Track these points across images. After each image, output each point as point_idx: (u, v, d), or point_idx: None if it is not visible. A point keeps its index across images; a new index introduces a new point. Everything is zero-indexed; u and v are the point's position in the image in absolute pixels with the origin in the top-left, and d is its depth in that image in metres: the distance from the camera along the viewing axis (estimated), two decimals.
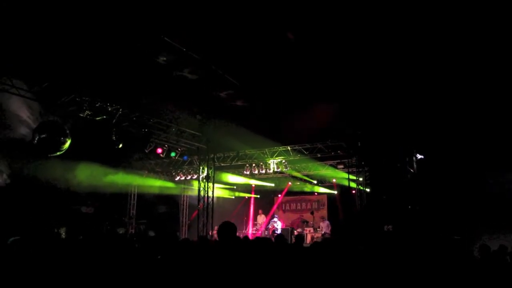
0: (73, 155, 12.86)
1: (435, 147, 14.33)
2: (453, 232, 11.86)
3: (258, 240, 6.23)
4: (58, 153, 11.35)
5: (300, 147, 15.98)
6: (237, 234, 18.50)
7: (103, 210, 16.16)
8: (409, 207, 13.66)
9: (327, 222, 18.34)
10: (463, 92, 11.97)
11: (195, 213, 17.86)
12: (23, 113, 11.43)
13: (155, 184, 19.48)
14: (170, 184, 20.18)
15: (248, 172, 17.77)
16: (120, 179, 17.17)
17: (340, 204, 20.45)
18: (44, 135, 10.87)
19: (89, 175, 14.97)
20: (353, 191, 16.36)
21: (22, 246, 4.66)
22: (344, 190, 19.43)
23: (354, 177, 15.81)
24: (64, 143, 11.27)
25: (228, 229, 4.48)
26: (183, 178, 19.17)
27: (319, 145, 15.57)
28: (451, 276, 5.24)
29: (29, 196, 12.96)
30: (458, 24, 9.53)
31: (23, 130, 11.63)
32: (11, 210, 11.86)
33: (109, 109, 12.55)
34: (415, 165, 14.63)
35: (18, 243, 4.78)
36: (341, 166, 16.91)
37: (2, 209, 11.53)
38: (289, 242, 14.63)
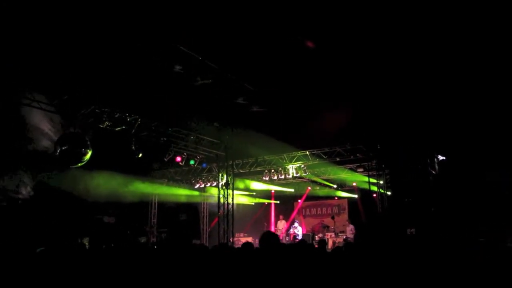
0: (94, 166, 13.13)
1: (457, 148, 14.11)
2: (478, 235, 11.65)
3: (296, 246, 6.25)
4: (79, 164, 11.52)
5: (319, 151, 15.94)
6: (258, 240, 18.53)
7: (125, 219, 16.35)
8: (432, 209, 13.47)
9: (351, 226, 18.21)
10: (488, 92, 11.77)
11: (216, 220, 17.96)
12: (45, 126, 11.68)
13: (175, 192, 19.64)
14: (190, 192, 20.31)
15: (267, 178, 17.78)
16: (141, 188, 17.38)
17: (361, 208, 20.34)
18: (65, 147, 11.05)
19: (110, 185, 15.21)
20: (374, 195, 16.22)
21: (49, 256, 4.78)
22: (364, 193, 19.34)
23: (375, 180, 15.70)
24: (85, 154, 11.43)
25: (270, 238, 4.62)
26: (202, 185, 19.26)
27: (338, 149, 15.50)
28: (477, 280, 5.16)
29: (52, 207, 13.21)
30: (479, 25, 9.41)
31: (45, 143, 11.88)
32: (36, 221, 12.08)
33: (128, 119, 12.70)
34: (437, 167, 14.44)
35: (44, 253, 4.90)
36: (361, 170, 16.82)
37: (27, 220, 11.78)
38: None
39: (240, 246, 5.86)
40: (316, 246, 10.78)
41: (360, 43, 10.59)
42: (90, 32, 9.24)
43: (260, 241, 4.54)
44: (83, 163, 11.68)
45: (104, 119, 12.11)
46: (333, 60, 11.35)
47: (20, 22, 8.63)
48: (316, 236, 18.09)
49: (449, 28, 9.71)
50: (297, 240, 16.55)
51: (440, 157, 14.51)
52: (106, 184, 15.06)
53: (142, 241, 16.22)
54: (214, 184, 18.45)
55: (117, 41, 9.72)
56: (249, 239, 18.78)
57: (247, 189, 21.43)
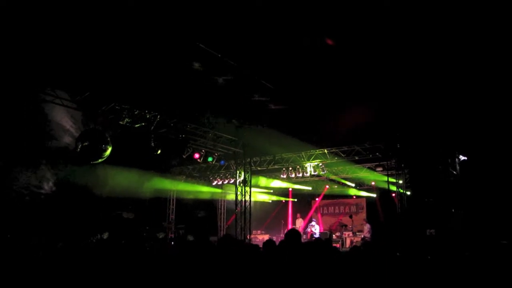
0: (114, 162, 13.21)
1: (479, 148, 13.87)
2: (500, 237, 11.46)
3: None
4: (100, 160, 11.64)
5: (337, 150, 15.87)
6: (274, 238, 18.55)
7: (143, 215, 16.49)
8: (453, 210, 13.30)
9: (368, 225, 18.18)
10: (509, 91, 11.54)
11: (233, 217, 18.03)
12: (66, 123, 11.86)
13: (193, 189, 19.77)
14: (207, 189, 20.43)
15: (284, 176, 17.76)
16: (159, 184, 17.51)
17: (380, 207, 20.29)
18: (86, 143, 11.18)
19: (129, 181, 15.34)
20: (393, 194, 16.08)
21: (70, 251, 4.89)
22: (383, 193, 19.27)
23: (394, 180, 15.59)
24: (105, 150, 11.54)
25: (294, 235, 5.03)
26: (220, 182, 19.34)
27: (356, 148, 15.40)
28: (498, 284, 5.09)
29: (73, 203, 13.42)
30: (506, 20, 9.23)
31: (67, 139, 12.07)
32: (58, 216, 12.30)
33: (148, 116, 12.78)
34: (458, 167, 14.23)
35: (65, 248, 5.01)
36: (380, 169, 16.74)
37: (49, 215, 11.99)
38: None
39: (257, 243, 5.90)
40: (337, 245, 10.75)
41: (381, 40, 10.46)
42: (111, 29, 9.32)
43: (286, 236, 4.76)
44: (103, 159, 11.79)
45: (124, 116, 12.21)
46: (352, 57, 11.20)
47: (43, 19, 8.71)
48: (333, 235, 18.03)
49: (473, 24, 9.52)
50: (314, 239, 16.47)
51: (462, 157, 14.28)
52: (125, 180, 15.17)
53: (160, 236, 16.32)
54: (232, 181, 18.52)
55: (138, 38, 9.79)
56: (266, 237, 19.04)
57: (264, 186, 21.47)
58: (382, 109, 13.26)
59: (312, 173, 16.94)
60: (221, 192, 21.56)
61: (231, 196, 20.20)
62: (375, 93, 12.68)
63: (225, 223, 21.92)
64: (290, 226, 21.61)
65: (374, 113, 13.22)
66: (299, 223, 20.55)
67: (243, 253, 5.21)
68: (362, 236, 17.70)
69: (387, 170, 15.90)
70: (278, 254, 4.84)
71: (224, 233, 21.47)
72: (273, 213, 23.15)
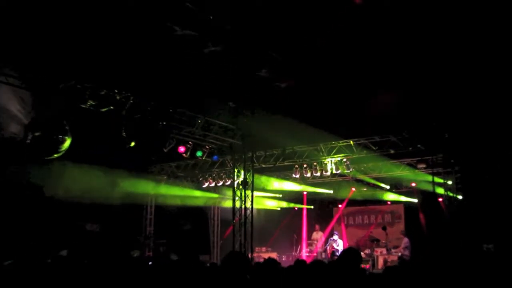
0: (74, 158, 13.36)
1: None
2: None
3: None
4: (56, 155, 11.75)
5: (367, 141, 15.90)
6: (284, 258, 18.38)
7: (112, 227, 16.57)
8: None
9: (406, 239, 18.24)
10: None
11: (230, 230, 18.11)
12: (13, 106, 11.79)
13: (178, 193, 19.81)
14: (196, 193, 20.48)
15: (297, 176, 17.77)
16: (133, 187, 17.56)
17: (423, 215, 20.30)
18: (38, 133, 11.26)
19: (94, 183, 15.40)
20: (440, 199, 16.29)
21: (19, 272, 4.90)
22: (427, 197, 19.36)
23: (441, 180, 15.67)
24: (63, 142, 11.64)
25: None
26: (213, 184, 19.33)
27: (392, 138, 15.42)
28: None
29: (21, 211, 13.48)
30: None
31: (14, 128, 11.97)
32: (1, 227, 12.36)
33: (118, 97, 12.80)
34: None
35: (13, 267, 5.03)
36: (423, 166, 16.70)
37: None
38: None
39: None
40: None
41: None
42: None
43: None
44: (60, 154, 11.88)
45: (86, 97, 12.19)
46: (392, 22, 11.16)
47: None
48: (362, 253, 18.06)
49: None
50: (335, 258, 16.51)
51: None
52: (89, 181, 15.24)
53: (135, 255, 16.40)
54: (228, 182, 18.54)
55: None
56: (273, 255, 18.97)
57: (271, 190, 21.51)
58: (427, 88, 13.20)
59: (334, 171, 16.94)
60: (214, 198, 21.60)
61: (227, 203, 20.37)
62: (417, 66, 12.55)
63: (220, 237, 21.97)
64: (305, 242, 21.78)
65: (415, 92, 13.24)
66: (318, 237, 20.68)
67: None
68: (399, 254, 17.66)
69: (432, 168, 15.91)
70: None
71: (219, 250, 21.60)
72: (282, 224, 23.24)
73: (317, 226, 21.20)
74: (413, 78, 12.98)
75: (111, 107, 12.77)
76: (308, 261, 8.86)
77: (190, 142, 15.78)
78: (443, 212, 16.00)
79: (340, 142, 16.37)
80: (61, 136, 11.65)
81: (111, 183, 16.42)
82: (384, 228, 19.07)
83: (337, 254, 18.02)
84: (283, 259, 19.76)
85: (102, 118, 12.96)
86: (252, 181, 16.66)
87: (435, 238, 17.43)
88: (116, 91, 12.70)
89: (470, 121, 14.17)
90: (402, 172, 18.28)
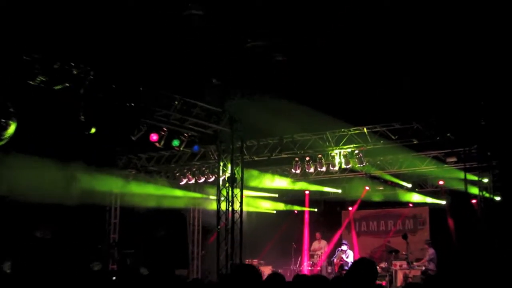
0: (20, 148, 13.19)
1: None
2: None
3: None
4: None
5: (384, 129, 15.93)
6: (282, 272, 18.46)
7: (68, 234, 16.54)
8: None
9: (432, 250, 18.15)
10: None
11: (213, 237, 17.93)
12: None
13: (149, 191, 19.78)
14: (172, 192, 20.51)
15: (298, 171, 17.89)
16: (93, 184, 17.45)
17: (452, 221, 20.44)
18: None
19: (44, 178, 15.20)
20: (473, 200, 16.42)
21: None
22: (457, 198, 19.49)
23: (475, 178, 15.75)
24: (6, 128, 11.38)
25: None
26: (192, 181, 19.44)
27: (415, 125, 15.43)
28: None
29: None
30: None
31: None
32: None
33: (75, 72, 12.55)
34: None
35: None
36: (453, 159, 16.76)
37: None
38: None
39: None
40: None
41: None
42: None
43: None
44: (3, 143, 11.60)
45: (36, 71, 11.92)
46: None
47: None
48: (377, 267, 17.88)
49: None
50: (344, 272, 16.30)
51: None
52: (39, 177, 15.05)
53: (96, 268, 15.99)
54: (212, 179, 18.62)
55: None
56: (267, 270, 18.91)
57: (265, 188, 21.43)
58: (458, 63, 13.04)
59: (343, 166, 17.03)
60: (195, 198, 21.68)
61: (210, 204, 20.32)
62: (443, 38, 12.47)
63: (201, 247, 22.04)
64: (306, 253, 21.76)
65: (444, 68, 13.21)
66: (321, 247, 20.63)
67: None
68: (423, 267, 17.49)
69: (464, 162, 15.90)
70: None
71: (199, 262, 21.60)
72: (279, 231, 23.12)
73: (318, 234, 21.22)
74: (442, 51, 12.94)
75: (67, 84, 12.53)
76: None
77: (165, 129, 15.62)
78: (477, 217, 15.96)
79: (351, 129, 16.40)
80: (4, 121, 11.38)
81: (67, 179, 16.33)
82: (404, 237, 19.00)
83: (347, 267, 17.94)
84: (280, 272, 19.62)
85: (56, 98, 12.79)
86: (242, 178, 16.59)
87: (466, 248, 17.46)
88: (72, 64, 12.49)
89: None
90: (427, 167, 18.34)
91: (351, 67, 13.93)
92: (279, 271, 19.85)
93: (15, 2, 10.66)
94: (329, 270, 18.84)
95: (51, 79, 12.19)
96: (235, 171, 16.38)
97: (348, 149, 16.65)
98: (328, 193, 22.69)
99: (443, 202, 21.17)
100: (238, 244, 15.99)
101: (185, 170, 19.35)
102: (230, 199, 16.24)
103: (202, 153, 18.04)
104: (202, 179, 19.11)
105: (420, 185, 21.28)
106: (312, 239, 22.03)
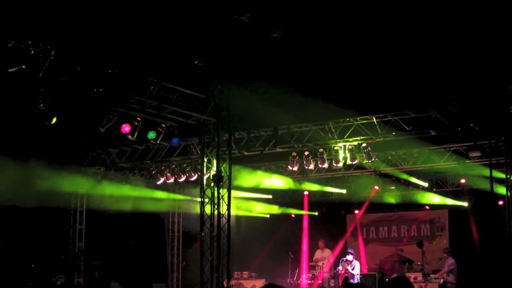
0: None
1: None
2: None
3: None
4: None
5: (396, 118, 16.01)
6: (280, 283, 18.67)
7: (25, 242, 16.60)
8: None
9: (452, 260, 18.33)
10: None
11: (196, 245, 18.10)
12: None
13: (120, 192, 19.86)
14: (148, 193, 20.67)
15: (295, 168, 17.99)
16: (55, 184, 17.48)
17: (475, 225, 20.58)
18: None
19: None
20: (500, 202, 16.57)
21: None
22: (481, 198, 19.69)
23: (502, 175, 15.75)
24: None
25: None
26: (171, 180, 19.51)
27: (433, 114, 15.53)
28: None
29: None
30: None
31: None
32: None
33: (33, 52, 12.62)
34: None
35: None
36: (477, 154, 16.93)
37: None
38: None
39: None
40: None
41: None
42: None
43: None
44: None
45: None
46: None
47: None
48: (387, 279, 18.07)
49: None
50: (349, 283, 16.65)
51: None
52: None
53: (59, 283, 16.45)
54: (195, 177, 18.70)
55: None
56: (260, 283, 19.25)
57: (257, 187, 21.57)
58: (480, 43, 13.21)
59: (349, 162, 17.15)
60: (174, 200, 21.84)
61: (192, 207, 20.51)
62: (467, 11, 12.43)
63: (182, 257, 22.20)
64: (306, 263, 21.90)
65: (465, 49, 13.29)
66: (324, 257, 20.70)
67: None
68: (441, 280, 17.75)
69: (490, 157, 15.95)
70: None
71: (180, 276, 21.56)
72: (273, 238, 23.29)
73: (321, 243, 21.21)
74: (463, 30, 12.97)
75: (23, 66, 12.58)
76: None
77: (139, 118, 15.64)
78: (504, 221, 15.69)
79: (358, 119, 16.46)
80: None
81: (23, 178, 16.37)
82: (420, 245, 19.25)
83: (352, 280, 18.23)
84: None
85: (10, 82, 12.91)
86: (229, 176, 16.57)
87: (491, 258, 17.78)
88: (30, 42, 12.53)
89: None
90: (446, 163, 18.42)
91: (357, 45, 13.98)
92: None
93: None
94: (332, 284, 19.02)
95: (7, 60, 12.23)
96: (222, 168, 16.37)
97: (354, 142, 16.74)
98: (331, 193, 22.76)
99: (465, 204, 21.32)
100: (225, 254, 16.01)
101: (162, 167, 19.40)
102: (215, 201, 16.25)
103: (183, 147, 18.14)
104: (183, 178, 19.21)
105: (439, 184, 21.32)
106: (311, 247, 22.21)
